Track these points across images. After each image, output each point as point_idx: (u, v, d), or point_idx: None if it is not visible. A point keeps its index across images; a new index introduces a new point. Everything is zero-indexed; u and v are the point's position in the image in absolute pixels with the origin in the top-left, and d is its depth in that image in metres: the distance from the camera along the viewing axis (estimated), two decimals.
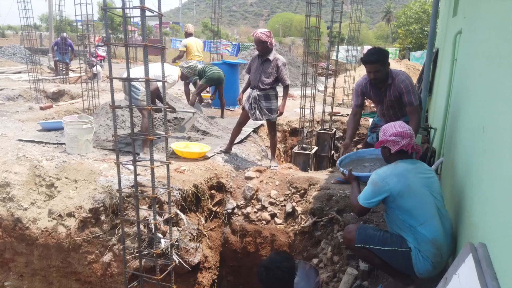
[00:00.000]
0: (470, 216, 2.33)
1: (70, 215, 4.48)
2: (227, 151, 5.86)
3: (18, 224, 4.54)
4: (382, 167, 2.75)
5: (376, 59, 3.66)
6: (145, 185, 3.47)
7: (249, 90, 5.59)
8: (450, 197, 3.11)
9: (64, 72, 13.86)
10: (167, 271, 2.75)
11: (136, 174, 2.58)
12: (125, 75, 3.11)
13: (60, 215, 4.50)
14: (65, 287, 4.63)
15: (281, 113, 5.39)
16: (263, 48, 5.24)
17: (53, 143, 5.77)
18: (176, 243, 4.03)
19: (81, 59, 9.84)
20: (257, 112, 5.39)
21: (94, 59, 13.08)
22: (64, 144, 5.55)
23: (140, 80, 3.04)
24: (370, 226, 2.69)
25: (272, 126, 5.47)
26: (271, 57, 5.29)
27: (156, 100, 5.69)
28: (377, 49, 3.86)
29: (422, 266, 2.47)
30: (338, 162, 3.83)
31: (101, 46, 14.94)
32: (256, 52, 5.49)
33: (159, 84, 5.15)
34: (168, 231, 3.70)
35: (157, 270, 2.65)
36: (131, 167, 4.87)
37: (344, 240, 2.66)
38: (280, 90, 5.54)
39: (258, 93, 5.37)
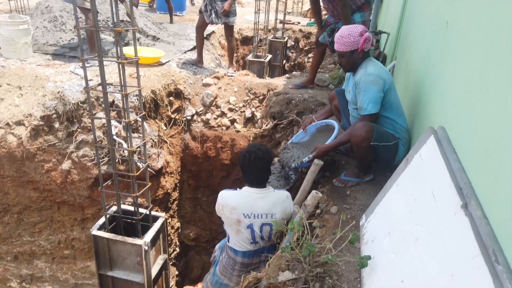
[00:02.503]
0: (428, 106, 2.56)
1: (19, 123, 4.23)
2: (198, 64, 5.57)
3: None
4: (366, 68, 2.72)
5: None
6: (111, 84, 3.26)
7: None
8: (404, 95, 3.36)
9: None
10: (142, 168, 2.78)
11: (103, 70, 2.44)
12: None
13: (7, 124, 4.23)
14: (23, 196, 4.53)
15: (225, 11, 4.99)
16: None
17: None
18: (138, 149, 4.03)
19: None
20: (213, 14, 5.13)
21: None
22: None
23: None
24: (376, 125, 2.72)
25: (230, 30, 5.27)
26: None
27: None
28: None
29: (401, 154, 2.76)
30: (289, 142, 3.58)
31: None
32: None
33: None
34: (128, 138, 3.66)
35: (133, 168, 2.67)
36: (82, 73, 4.58)
37: (357, 138, 2.60)
38: None
39: None
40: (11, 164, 4.31)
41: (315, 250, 2.03)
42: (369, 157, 2.72)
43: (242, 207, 2.50)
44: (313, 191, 2.53)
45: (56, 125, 4.21)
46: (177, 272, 5.65)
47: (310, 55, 8.09)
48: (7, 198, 4.56)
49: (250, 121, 5.00)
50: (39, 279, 5.06)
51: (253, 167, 2.49)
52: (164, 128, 4.83)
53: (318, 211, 2.77)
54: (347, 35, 2.70)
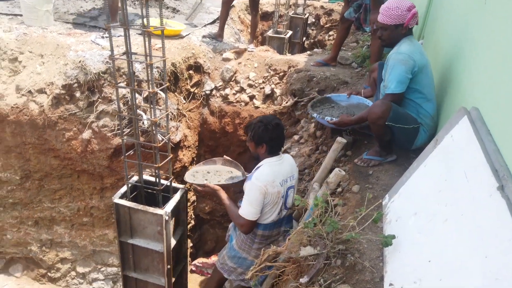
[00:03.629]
0: (459, 87, 2.49)
1: (41, 91, 4.26)
2: (218, 38, 5.49)
3: None
4: (400, 46, 2.64)
5: None
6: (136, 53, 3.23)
7: None
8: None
9: None
10: (163, 140, 2.79)
11: (128, 38, 2.42)
12: None
13: (30, 91, 4.27)
14: (44, 163, 4.62)
15: None
16: None
17: (6, 14, 5.17)
18: (160, 120, 4.03)
19: None
20: None
21: None
22: (20, 15, 4.99)
23: None
24: (396, 105, 2.66)
25: (255, 4, 5.14)
26: None
27: None
28: None
29: (421, 140, 2.71)
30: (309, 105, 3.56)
31: None
32: None
33: None
34: (150, 109, 3.66)
35: (155, 139, 2.68)
36: (103, 43, 4.56)
37: (372, 115, 2.58)
38: None
39: None
40: (33, 132, 4.37)
41: (338, 226, 2.03)
42: (384, 136, 2.68)
43: (277, 177, 2.54)
44: (336, 169, 2.51)
45: (77, 94, 4.23)
46: (191, 244, 5.76)
47: (330, 33, 7.92)
48: (29, 165, 4.65)
49: (269, 97, 4.95)
50: (58, 244, 5.21)
51: (275, 135, 2.54)
52: (183, 101, 4.82)
53: (339, 189, 2.76)
54: (395, 7, 2.60)
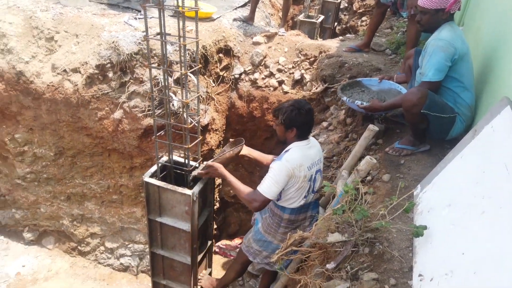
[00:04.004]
0: (502, 76, 2.38)
1: (76, 71, 4.37)
2: (249, 21, 5.43)
3: (22, 78, 4.43)
4: (440, 32, 2.53)
5: None
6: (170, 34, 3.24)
7: None
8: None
9: None
10: (193, 122, 2.81)
11: (163, 18, 2.43)
12: None
13: (65, 70, 4.38)
14: (77, 141, 4.76)
15: None
16: None
17: None
18: (191, 101, 4.06)
19: None
20: None
21: None
22: None
23: None
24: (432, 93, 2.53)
25: None
26: None
27: None
28: None
29: (457, 130, 2.64)
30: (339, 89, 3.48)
31: None
32: None
33: None
34: (182, 90, 3.69)
35: (186, 118, 2.71)
36: (136, 24, 4.61)
37: (407, 103, 2.50)
38: None
39: None
40: (67, 110, 4.50)
41: (368, 214, 2.00)
42: (419, 125, 2.60)
43: (305, 161, 2.55)
44: (368, 157, 2.47)
45: (110, 74, 4.30)
46: (215, 226, 5.84)
47: (363, 18, 7.70)
48: (63, 142, 4.81)
49: (298, 83, 4.90)
50: (88, 220, 5.40)
51: (306, 120, 2.53)
52: (212, 85, 4.83)
53: (369, 178, 2.72)
54: None
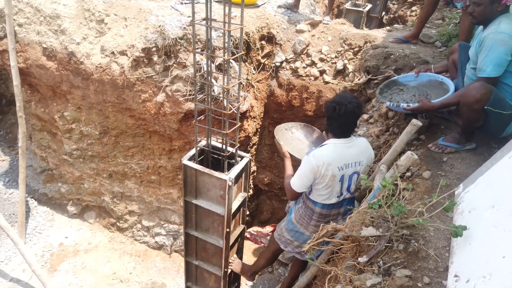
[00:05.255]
0: None
1: (123, 53, 4.51)
2: (293, 8, 5.38)
3: (73, 58, 4.64)
4: (499, 24, 2.39)
5: None
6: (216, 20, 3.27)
7: None
8: None
9: None
10: (234, 108, 2.84)
11: (210, 4, 2.45)
12: None
13: (112, 53, 4.54)
14: (120, 122, 4.95)
15: None
16: None
17: None
18: (232, 87, 4.10)
19: None
20: None
21: None
22: None
23: None
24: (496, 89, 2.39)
25: None
26: None
27: None
28: None
29: None
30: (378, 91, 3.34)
31: None
32: None
33: None
34: (224, 76, 3.72)
35: (226, 106, 2.75)
36: (182, 9, 4.68)
37: (469, 98, 2.36)
38: None
39: None
40: (113, 91, 4.67)
41: (405, 211, 1.96)
42: (477, 122, 2.47)
43: (337, 161, 2.48)
44: (409, 152, 2.40)
45: (155, 58, 4.41)
46: (248, 213, 5.92)
47: (413, 8, 7.38)
48: (108, 122, 5.02)
49: (340, 73, 4.80)
50: (128, 198, 5.64)
51: (342, 120, 2.44)
52: (253, 72, 4.84)
53: (408, 174, 2.64)
54: None
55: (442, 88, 3.02)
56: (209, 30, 2.53)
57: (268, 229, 5.81)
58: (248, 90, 4.83)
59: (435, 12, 5.30)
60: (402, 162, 2.37)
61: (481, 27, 2.67)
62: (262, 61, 4.97)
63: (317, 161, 2.47)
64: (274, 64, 5.05)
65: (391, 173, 2.42)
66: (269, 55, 5.04)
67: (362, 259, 2.01)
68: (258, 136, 5.49)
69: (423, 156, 2.74)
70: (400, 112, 3.42)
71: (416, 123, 2.65)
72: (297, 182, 2.59)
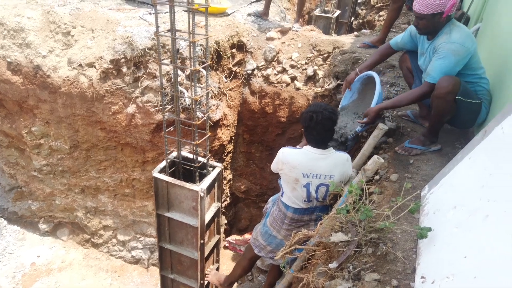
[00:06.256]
0: None
1: (91, 65, 4.43)
2: (263, 16, 5.41)
3: (39, 72, 4.53)
4: (450, 34, 2.48)
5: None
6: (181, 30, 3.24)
7: None
8: (487, 61, 3.06)
9: None
10: (203, 118, 2.83)
11: (173, 15, 2.44)
12: None
13: (80, 65, 4.45)
14: (91, 135, 4.85)
15: None
16: None
17: None
18: (201, 98, 4.08)
19: None
20: None
21: None
22: None
23: None
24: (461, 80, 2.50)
25: None
26: None
27: None
28: None
29: (482, 116, 2.60)
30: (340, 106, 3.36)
31: None
32: None
33: None
34: (192, 87, 3.71)
35: (195, 116, 2.73)
36: (151, 19, 4.65)
37: (442, 90, 2.40)
38: None
39: None
40: (82, 104, 4.58)
41: (372, 215, 1.98)
42: (449, 114, 2.53)
43: (303, 167, 2.48)
44: (375, 156, 2.44)
45: (124, 69, 4.36)
46: (225, 221, 5.88)
47: (381, 13, 7.57)
48: (78, 135, 4.91)
49: (311, 79, 4.86)
50: (101, 212, 5.51)
51: (319, 128, 2.43)
52: (225, 80, 4.84)
53: (376, 177, 2.68)
54: None
55: (372, 81, 3.10)
56: (174, 41, 2.52)
57: (247, 236, 5.78)
58: (220, 99, 4.83)
59: (401, 17, 5.45)
60: (369, 166, 2.41)
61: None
62: (234, 69, 4.98)
63: (283, 158, 2.55)
64: (245, 72, 5.07)
65: (359, 177, 2.46)
66: (240, 63, 5.05)
67: (333, 265, 2.02)
68: (232, 144, 5.48)
69: (390, 159, 2.79)
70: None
71: (382, 127, 2.70)
72: (273, 164, 2.72)
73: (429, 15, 2.48)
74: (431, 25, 2.53)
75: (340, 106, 3.41)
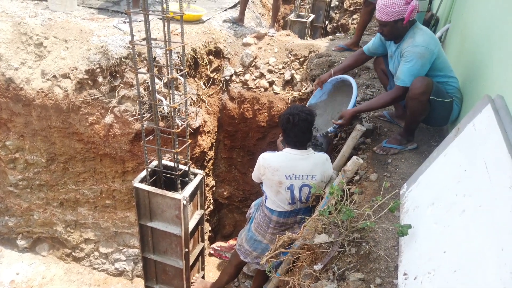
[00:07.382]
0: (485, 73, 2.40)
1: (65, 76, 4.36)
2: (239, 22, 5.44)
3: (11, 85, 4.42)
4: (414, 37, 2.56)
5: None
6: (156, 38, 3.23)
7: None
8: (457, 60, 3.17)
9: None
10: (182, 126, 2.82)
11: (148, 24, 2.43)
12: None
13: (54, 76, 4.37)
14: (68, 147, 4.75)
15: None
16: None
17: None
18: (179, 106, 4.06)
19: None
20: None
21: None
22: (45, 0, 5.09)
23: None
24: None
25: None
26: None
27: None
28: None
29: (455, 114, 2.67)
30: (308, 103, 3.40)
31: None
32: None
33: None
34: (170, 95, 3.69)
35: (174, 124, 2.71)
36: (125, 28, 4.61)
37: (417, 91, 2.46)
38: None
39: None
40: (58, 116, 4.49)
41: (353, 215, 2.02)
42: (423, 114, 2.60)
43: (284, 169, 2.51)
44: (354, 157, 2.48)
45: (100, 79, 4.30)
46: (210, 228, 5.85)
47: (354, 16, 7.72)
48: (54, 148, 4.80)
49: (289, 83, 4.91)
50: (82, 225, 5.39)
51: (297, 129, 2.48)
52: (203, 87, 4.84)
53: (357, 177, 2.73)
54: (392, 3, 2.50)
55: (346, 85, 3.15)
56: (150, 50, 2.51)
57: (231, 242, 5.76)
58: (199, 106, 4.81)
59: (373, 19, 5.57)
60: (348, 167, 2.45)
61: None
62: (212, 75, 4.99)
63: (265, 162, 2.58)
64: (223, 78, 5.07)
65: (340, 179, 2.50)
66: (218, 69, 5.06)
67: (317, 266, 2.04)
68: (214, 151, 5.47)
69: (369, 159, 2.84)
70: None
71: (360, 128, 2.75)
72: (254, 173, 2.74)
73: (391, 22, 2.56)
74: (395, 31, 2.62)
75: (308, 103, 3.44)
